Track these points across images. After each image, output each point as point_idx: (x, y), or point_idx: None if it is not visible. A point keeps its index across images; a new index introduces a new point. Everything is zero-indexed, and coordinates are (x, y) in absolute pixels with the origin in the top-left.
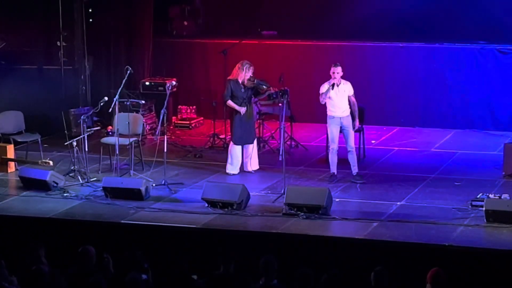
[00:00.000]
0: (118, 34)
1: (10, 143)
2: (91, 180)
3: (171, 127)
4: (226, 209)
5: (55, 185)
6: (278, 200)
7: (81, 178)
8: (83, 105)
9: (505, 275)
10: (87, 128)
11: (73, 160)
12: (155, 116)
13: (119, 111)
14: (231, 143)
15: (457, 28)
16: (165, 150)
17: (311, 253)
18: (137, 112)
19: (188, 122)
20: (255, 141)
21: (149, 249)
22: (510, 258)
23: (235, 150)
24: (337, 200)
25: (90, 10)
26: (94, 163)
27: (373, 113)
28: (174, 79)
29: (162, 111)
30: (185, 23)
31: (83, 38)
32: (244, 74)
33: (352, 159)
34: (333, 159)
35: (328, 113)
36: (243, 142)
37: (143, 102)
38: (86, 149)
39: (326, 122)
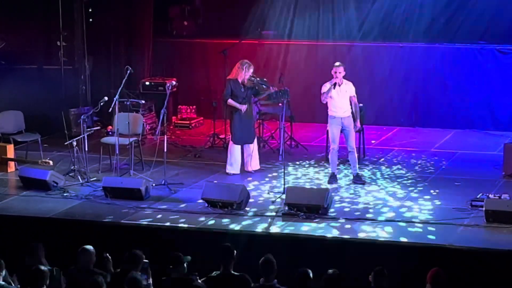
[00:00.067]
0: (118, 34)
1: (10, 143)
2: (91, 180)
3: (171, 127)
4: (226, 209)
5: (55, 185)
6: (278, 200)
7: (81, 178)
8: (83, 105)
9: (505, 275)
10: (87, 128)
11: (73, 160)
12: (155, 116)
13: (119, 111)
14: (231, 142)
15: (457, 28)
16: (165, 150)
17: (311, 253)
18: (137, 112)
19: (188, 122)
20: (255, 141)
21: (149, 249)
22: (510, 258)
23: (235, 150)
24: (337, 200)
25: (90, 10)
26: (94, 163)
27: (373, 113)
28: (174, 79)
29: (162, 111)
30: (185, 23)
31: (83, 38)
32: (244, 73)
33: (353, 159)
34: (333, 159)
35: (329, 113)
36: (243, 142)
37: (143, 102)
38: (86, 149)
39: (326, 122)
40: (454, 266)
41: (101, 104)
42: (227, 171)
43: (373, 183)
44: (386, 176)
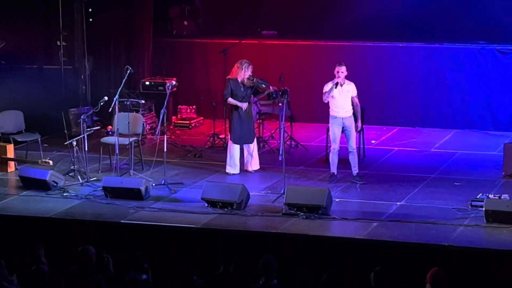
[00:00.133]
0: (118, 34)
1: (10, 142)
2: (91, 179)
3: (171, 127)
4: (226, 209)
5: (55, 184)
6: (278, 200)
7: (81, 178)
8: (83, 104)
9: (505, 275)
10: (87, 128)
11: (73, 159)
12: (155, 116)
13: (119, 111)
14: (230, 142)
15: (457, 28)
16: (165, 150)
17: (311, 253)
18: (137, 111)
19: (188, 122)
20: (255, 141)
21: (149, 249)
22: (510, 258)
23: (234, 150)
24: (337, 200)
25: (90, 10)
26: (94, 162)
27: (373, 113)
28: (174, 79)
29: (162, 110)
30: (185, 23)
31: (83, 38)
32: (243, 73)
33: (353, 159)
34: (333, 159)
35: (331, 113)
36: (243, 141)
37: (143, 101)
38: (86, 149)
39: (326, 122)
40: (454, 266)
41: (101, 104)
42: (227, 171)
43: (373, 183)
44: (386, 176)
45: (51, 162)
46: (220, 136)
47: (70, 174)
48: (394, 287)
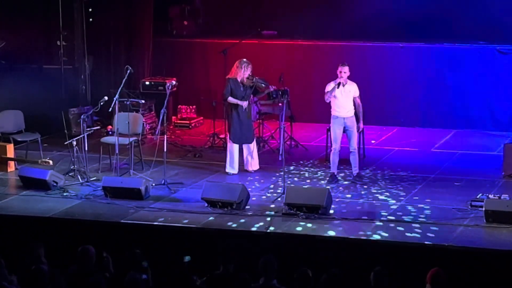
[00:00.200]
0: (118, 34)
1: (10, 142)
2: (91, 179)
3: (171, 127)
4: (225, 209)
5: (54, 184)
6: (278, 200)
7: (80, 178)
8: (83, 104)
9: (505, 275)
10: (87, 128)
11: (73, 159)
12: (155, 116)
13: (119, 111)
14: (230, 142)
15: (457, 28)
16: (165, 150)
17: (311, 253)
18: (137, 111)
19: (188, 121)
20: (255, 141)
21: (149, 249)
22: (510, 258)
23: (234, 149)
24: (337, 200)
25: (90, 10)
26: (94, 162)
27: (373, 113)
28: (174, 78)
29: (162, 110)
30: (185, 23)
31: (83, 37)
32: (242, 72)
33: (354, 160)
34: (334, 159)
35: (332, 112)
36: (242, 141)
37: (143, 101)
38: (86, 149)
39: (326, 122)
40: (454, 266)
41: (101, 103)
42: (226, 171)
43: (373, 183)
44: (386, 176)
45: (51, 162)
46: (220, 136)
47: (70, 174)
48: (394, 287)
